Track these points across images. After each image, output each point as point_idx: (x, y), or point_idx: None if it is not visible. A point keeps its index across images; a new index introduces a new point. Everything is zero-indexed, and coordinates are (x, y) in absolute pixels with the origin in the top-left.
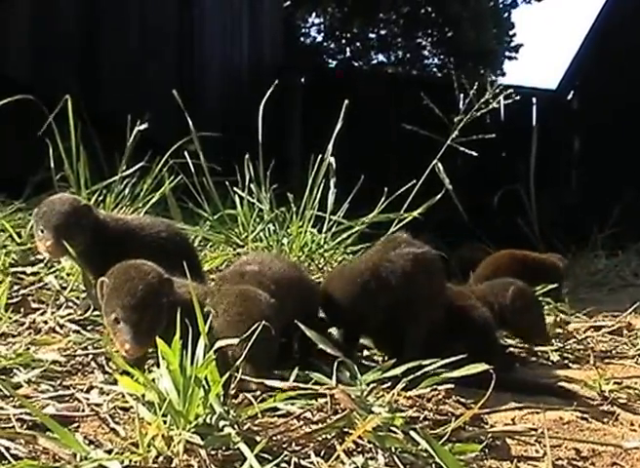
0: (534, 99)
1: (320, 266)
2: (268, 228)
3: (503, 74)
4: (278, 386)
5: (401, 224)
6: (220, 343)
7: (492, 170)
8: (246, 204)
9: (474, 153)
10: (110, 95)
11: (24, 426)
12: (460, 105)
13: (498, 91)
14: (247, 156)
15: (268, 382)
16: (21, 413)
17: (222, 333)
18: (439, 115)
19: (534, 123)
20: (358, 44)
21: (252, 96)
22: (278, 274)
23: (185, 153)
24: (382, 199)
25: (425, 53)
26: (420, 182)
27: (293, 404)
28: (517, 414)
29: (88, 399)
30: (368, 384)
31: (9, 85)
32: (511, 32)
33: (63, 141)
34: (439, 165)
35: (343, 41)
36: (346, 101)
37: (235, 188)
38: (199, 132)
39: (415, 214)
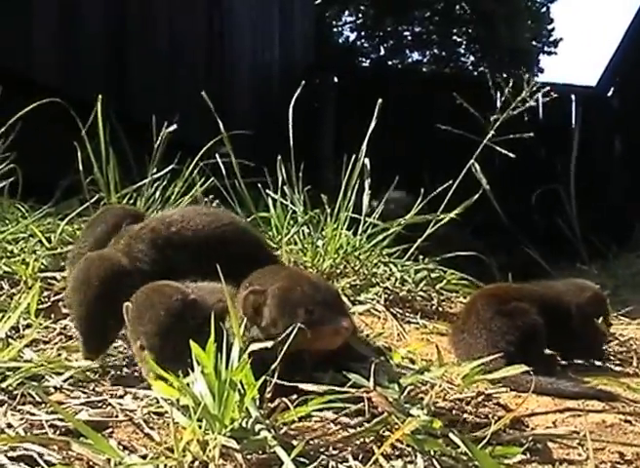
0: (573, 97)
1: (356, 269)
2: (302, 231)
3: (541, 71)
4: (314, 389)
5: (438, 226)
6: (253, 346)
7: (531, 170)
8: (279, 206)
9: (511, 154)
10: (139, 96)
11: (57, 432)
12: (497, 104)
13: (534, 88)
14: (279, 157)
15: (304, 386)
16: (54, 419)
17: None
18: (475, 115)
19: (573, 121)
20: (392, 42)
21: (283, 95)
22: None
23: (216, 155)
24: (419, 200)
25: (461, 50)
26: (456, 183)
27: (329, 407)
28: (559, 417)
29: (121, 404)
30: (406, 387)
31: (35, 87)
32: (550, 27)
33: (92, 144)
34: (476, 165)
35: (377, 39)
36: (380, 100)
37: (268, 190)
38: (229, 133)
39: (452, 214)
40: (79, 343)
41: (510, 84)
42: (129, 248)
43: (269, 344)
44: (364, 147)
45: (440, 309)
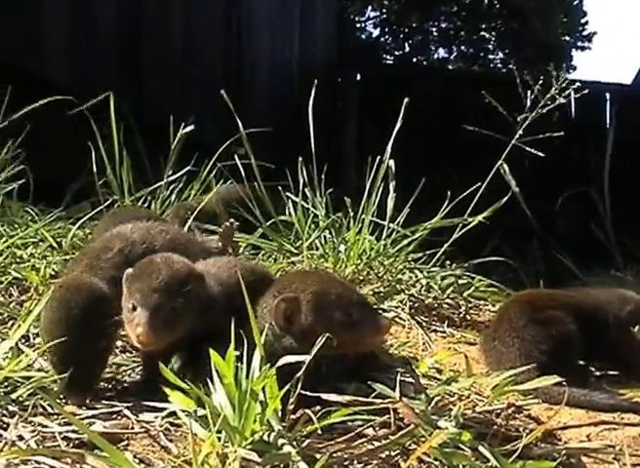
0: (607, 95)
1: (380, 275)
2: (324, 235)
3: (574, 68)
4: (338, 400)
5: (465, 230)
6: (286, 359)
7: (562, 171)
8: (300, 209)
9: (541, 154)
10: (153, 96)
11: (70, 445)
12: (526, 103)
13: (565, 85)
14: (300, 158)
15: (327, 396)
16: (67, 431)
17: None
18: (503, 114)
19: (607, 121)
20: (417, 38)
21: (304, 94)
22: None
23: (235, 156)
24: (445, 203)
25: (489, 47)
26: (484, 185)
27: (354, 419)
28: (593, 431)
29: (137, 416)
30: (433, 398)
31: (46, 87)
32: (583, 20)
33: (105, 145)
34: (504, 166)
35: (401, 36)
36: (406, 100)
37: (288, 193)
38: (247, 131)
39: (479, 218)
40: (60, 387)
41: (540, 81)
42: (101, 271)
43: (303, 358)
44: (389, 148)
45: (468, 317)
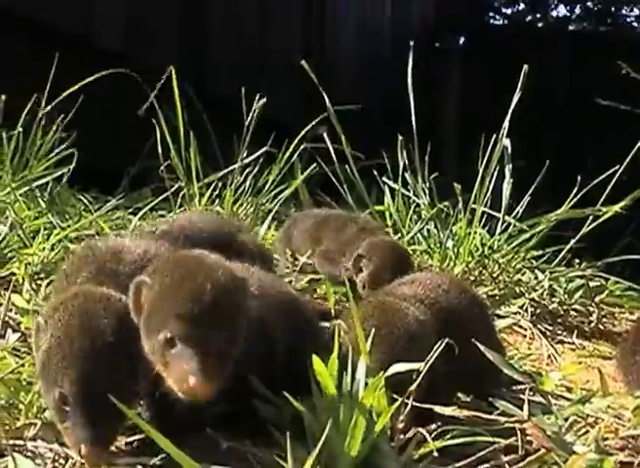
0: None
1: (494, 275)
2: (428, 228)
3: None
4: (456, 416)
5: (597, 223)
6: (397, 367)
7: None
8: (399, 197)
9: None
10: (220, 64)
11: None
12: None
13: None
14: (400, 138)
15: (443, 410)
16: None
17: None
18: None
19: None
20: None
21: (397, 63)
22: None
23: (325, 135)
24: (574, 191)
25: (621, 1)
26: (621, 169)
27: (474, 441)
28: None
29: (227, 437)
30: (566, 418)
31: (98, 57)
32: None
33: (168, 125)
34: None
35: None
36: (525, 67)
37: (384, 178)
38: (333, 109)
39: (616, 208)
40: (68, 433)
41: None
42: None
43: (418, 366)
44: (506, 124)
45: (601, 327)
